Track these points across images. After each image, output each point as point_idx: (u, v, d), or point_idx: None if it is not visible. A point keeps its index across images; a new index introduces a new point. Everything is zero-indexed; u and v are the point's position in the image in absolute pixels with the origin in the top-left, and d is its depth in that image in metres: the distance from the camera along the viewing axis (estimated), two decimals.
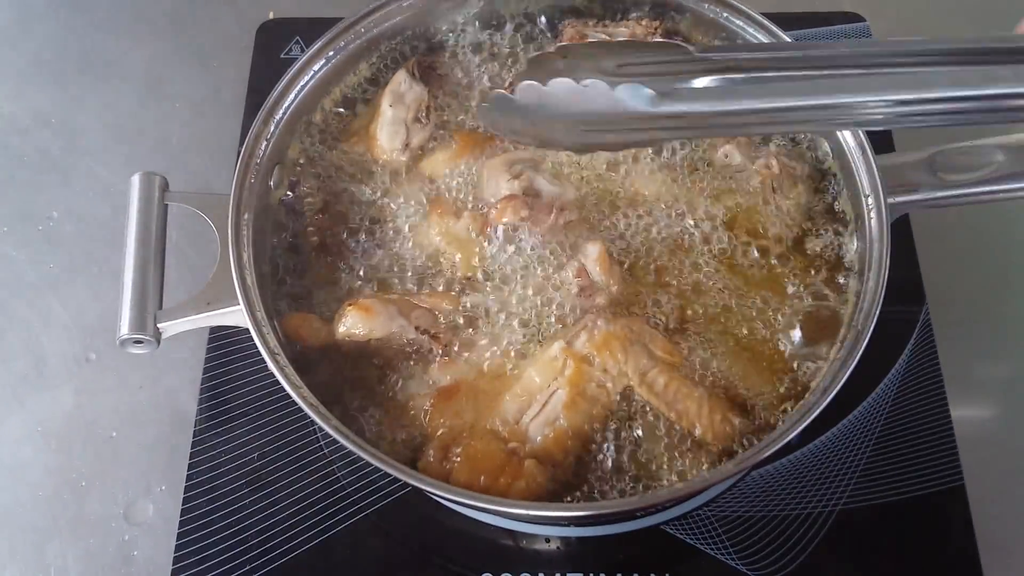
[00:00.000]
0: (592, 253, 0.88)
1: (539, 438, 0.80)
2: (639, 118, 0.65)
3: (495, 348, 0.86)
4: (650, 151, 0.97)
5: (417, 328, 0.85)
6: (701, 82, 0.68)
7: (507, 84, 1.00)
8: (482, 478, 0.77)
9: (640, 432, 0.82)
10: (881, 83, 0.65)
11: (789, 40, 0.97)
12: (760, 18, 1.00)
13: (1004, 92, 0.62)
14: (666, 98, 0.64)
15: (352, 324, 0.85)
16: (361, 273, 0.92)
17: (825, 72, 0.68)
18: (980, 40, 0.67)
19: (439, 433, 0.82)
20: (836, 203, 0.95)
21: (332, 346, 0.87)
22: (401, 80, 1.00)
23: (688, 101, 0.66)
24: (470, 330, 0.87)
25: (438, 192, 0.96)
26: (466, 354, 0.86)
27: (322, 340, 0.86)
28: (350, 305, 0.85)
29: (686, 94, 0.66)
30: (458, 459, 0.78)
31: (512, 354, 0.86)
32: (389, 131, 0.98)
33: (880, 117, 0.65)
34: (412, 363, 0.86)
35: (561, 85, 0.65)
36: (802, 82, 0.68)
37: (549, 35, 1.08)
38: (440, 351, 0.86)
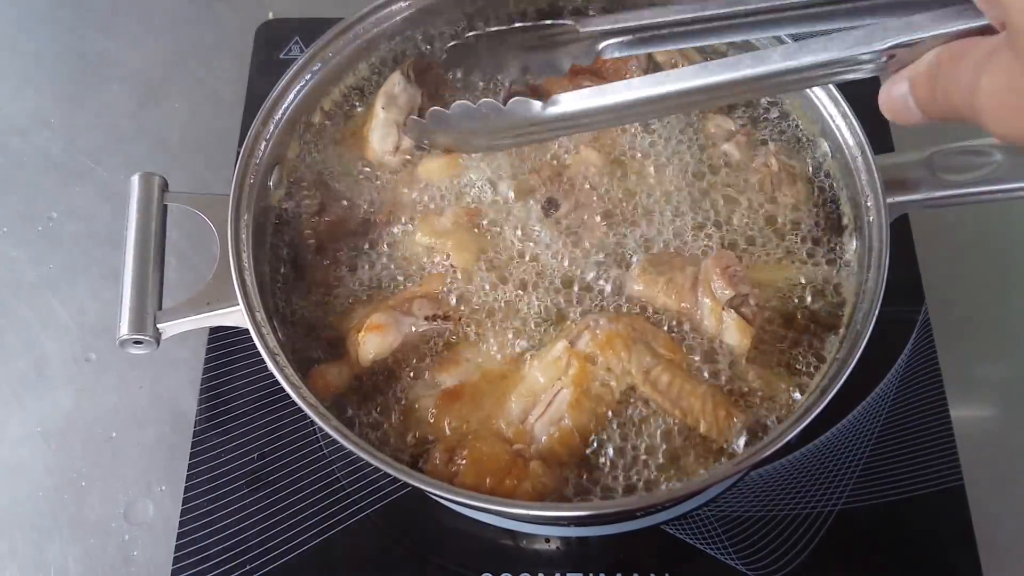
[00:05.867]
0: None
1: (544, 438, 0.80)
2: (533, 124, 0.78)
3: (497, 349, 0.86)
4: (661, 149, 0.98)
5: (426, 318, 0.85)
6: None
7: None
8: (488, 480, 0.77)
9: (641, 431, 0.82)
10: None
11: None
12: None
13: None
14: (551, 105, 0.75)
15: (375, 347, 0.84)
16: (359, 274, 0.92)
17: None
18: None
19: (445, 435, 0.82)
20: (835, 202, 0.95)
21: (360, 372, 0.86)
22: (396, 82, 1.00)
23: (566, 105, 0.75)
24: (471, 324, 0.87)
25: (435, 194, 0.96)
26: (469, 355, 0.86)
27: (348, 378, 0.86)
28: (362, 332, 0.84)
29: (566, 101, 0.75)
30: (463, 462, 0.78)
31: (515, 354, 0.86)
32: (381, 133, 0.98)
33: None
34: (415, 365, 0.86)
35: (486, 105, 0.78)
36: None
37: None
38: (456, 330, 0.85)
